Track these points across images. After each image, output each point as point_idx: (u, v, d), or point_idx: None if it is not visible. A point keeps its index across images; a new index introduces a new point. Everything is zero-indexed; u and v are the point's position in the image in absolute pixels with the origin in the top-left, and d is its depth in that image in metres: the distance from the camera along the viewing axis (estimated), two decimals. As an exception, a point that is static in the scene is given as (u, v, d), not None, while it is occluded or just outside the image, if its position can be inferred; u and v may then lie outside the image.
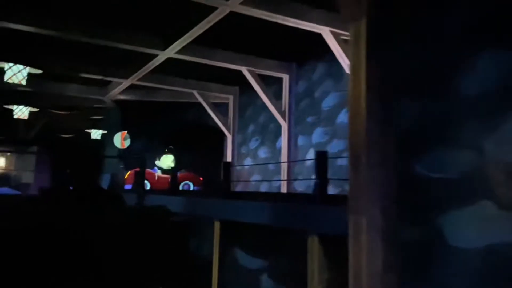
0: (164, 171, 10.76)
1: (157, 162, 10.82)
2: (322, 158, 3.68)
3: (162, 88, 10.58)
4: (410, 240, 2.51)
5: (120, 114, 12.04)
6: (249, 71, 7.96)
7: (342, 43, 6.04)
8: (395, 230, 2.57)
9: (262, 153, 9.13)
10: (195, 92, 9.90)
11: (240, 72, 8.66)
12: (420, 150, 2.50)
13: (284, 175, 8.11)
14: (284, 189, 8.05)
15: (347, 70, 6.20)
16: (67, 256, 1.74)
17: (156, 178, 10.47)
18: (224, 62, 7.71)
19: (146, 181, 10.26)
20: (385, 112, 2.61)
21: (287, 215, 3.77)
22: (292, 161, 7.93)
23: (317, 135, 7.61)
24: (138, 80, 9.14)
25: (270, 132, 8.95)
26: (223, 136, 11.48)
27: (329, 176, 6.61)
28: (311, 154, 7.70)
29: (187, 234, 2.28)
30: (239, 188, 9.86)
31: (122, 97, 11.05)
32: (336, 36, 5.99)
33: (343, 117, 7.06)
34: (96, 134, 15.26)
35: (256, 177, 9.26)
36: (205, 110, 11.70)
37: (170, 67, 9.07)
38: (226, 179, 5.35)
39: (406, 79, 2.57)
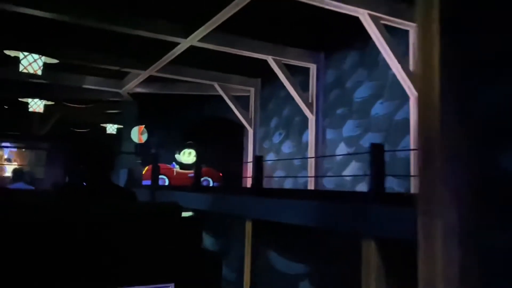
0: (183, 166, 10.39)
1: (176, 157, 10.45)
2: (378, 151, 3.23)
3: (180, 80, 10.17)
4: (493, 246, 2.06)
5: (137, 107, 11.67)
6: (275, 60, 7.50)
7: (382, 28, 5.55)
8: (474, 234, 2.14)
9: (286, 147, 8.68)
10: (215, 84, 9.48)
11: (262, 63, 8.21)
12: (505, 142, 2.02)
13: (311, 171, 7.65)
14: (311, 186, 7.60)
15: (386, 57, 5.71)
16: (77, 252, 1.77)
17: (174, 173, 10.10)
18: (249, 51, 7.27)
19: (164, 177, 9.91)
20: (462, 101, 2.19)
21: (337, 216, 3.33)
22: (321, 156, 7.47)
23: (348, 128, 7.13)
24: (157, 71, 8.73)
25: (295, 126, 8.49)
26: (242, 130, 11.06)
27: (363, 172, 6.13)
28: (341, 149, 7.24)
29: (199, 231, 2.28)
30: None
31: (139, 90, 10.67)
32: (375, 20, 5.50)
33: (378, 109, 6.57)
34: (111, 128, 14.98)
35: (279, 173, 8.83)
36: (224, 104, 11.29)
37: (190, 58, 8.65)
38: (258, 175, 4.91)
39: (487, 63, 2.12)
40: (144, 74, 9.03)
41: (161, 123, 12.59)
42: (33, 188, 6.32)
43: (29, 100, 10.47)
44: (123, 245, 1.91)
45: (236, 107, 9.62)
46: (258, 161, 4.90)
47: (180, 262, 2.02)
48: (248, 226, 4.66)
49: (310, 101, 7.77)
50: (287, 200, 4.22)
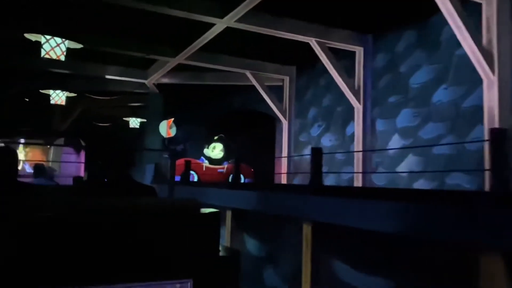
0: (212, 161, 9.75)
1: (205, 151, 9.81)
2: (499, 138, 2.48)
3: (209, 70, 9.52)
4: None
5: (162, 100, 11.08)
6: (319, 43, 6.75)
7: (456, 1, 4.77)
8: None
9: (327, 140, 7.94)
10: (247, 73, 8.78)
11: (299, 48, 7.50)
12: None
13: (358, 166, 6.91)
14: (358, 183, 6.86)
15: (458, 33, 4.91)
16: (98, 246, 1.78)
17: (204, 169, 9.46)
18: (291, 32, 6.54)
19: (193, 173, 9.28)
20: None
21: (442, 222, 2.60)
22: (373, 150, 6.73)
23: (404, 117, 6.36)
24: (186, 59, 8.08)
25: (338, 117, 7.74)
26: (274, 123, 10.37)
27: (422, 168, 5.36)
28: (395, 141, 6.47)
29: (217, 227, 2.15)
30: (297, 181, 8.72)
31: (165, 80, 10.06)
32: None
33: (441, 95, 5.78)
34: (134, 122, 14.47)
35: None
36: (254, 95, 10.60)
37: (222, 44, 7.99)
38: (316, 170, 4.21)
39: None
40: (172, 62, 8.39)
41: (187, 116, 11.97)
42: (54, 183, 6.32)
43: (51, 91, 9.96)
44: (141, 241, 1.91)
45: (270, 98, 8.91)
46: (317, 154, 4.19)
47: (199, 258, 2.01)
48: (307, 229, 3.96)
49: (356, 88, 7.01)
50: (359, 200, 3.51)
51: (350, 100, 7.03)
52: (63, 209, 1.89)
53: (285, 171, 8.88)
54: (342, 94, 7.60)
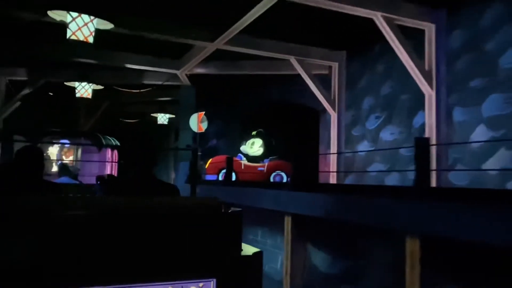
0: (250, 158, 8.85)
1: (242, 148, 8.92)
2: None
3: (247, 57, 8.62)
4: None
5: (195, 93, 10.24)
6: (386, 19, 5.76)
7: None
8: None
9: (388, 134, 6.93)
10: (292, 59, 7.83)
11: (353, 29, 6.58)
12: None
13: (432, 162, 5.87)
14: (432, 182, 5.83)
15: None
16: (118, 246, 1.82)
17: (242, 167, 8.56)
18: (355, 5, 5.57)
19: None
20: None
21: None
22: (450, 143, 5.71)
23: (492, 105, 5.31)
24: (226, 43, 7.20)
25: (402, 106, 6.72)
26: (317, 116, 9.41)
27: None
28: (480, 133, 5.43)
29: (240, 226, 2.09)
30: (349, 181, 7.74)
31: (199, 70, 9.21)
32: None
33: (548, 76, 4.73)
34: (162, 118, 13.71)
35: (377, 166, 7.09)
36: (295, 85, 9.66)
37: (264, 27, 7.09)
38: (423, 168, 3.25)
39: None
40: (210, 48, 7.52)
41: (220, 110, 11.10)
42: (77, 182, 6.39)
43: (76, 84, 9.23)
44: (164, 240, 1.93)
45: (317, 87, 7.95)
46: (423, 147, 3.22)
47: (221, 257, 2.02)
48: (413, 245, 3.00)
49: (427, 72, 5.99)
50: (488, 207, 2.54)
51: (420, 85, 6.01)
52: (85, 208, 1.91)
53: (334, 170, 7.90)
54: (406, 79, 6.59)
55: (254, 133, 9.30)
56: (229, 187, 6.09)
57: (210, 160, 8.56)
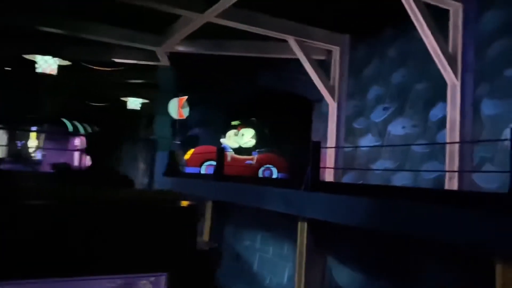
0: (238, 150, 7.93)
1: (226, 139, 7.99)
2: None
3: (237, 37, 7.70)
4: None
5: (175, 75, 9.21)
6: (411, -7, 4.96)
7: None
8: None
9: (398, 128, 6.17)
10: (291, 40, 6.94)
11: (362, 9, 5.79)
12: None
13: (452, 162, 5.15)
14: (452, 184, 5.11)
15: None
16: (71, 238, 1.79)
17: (228, 159, 7.62)
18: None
19: (214, 163, 7.45)
20: None
21: None
22: (477, 141, 4.99)
23: (532, 97, 4.62)
24: (217, 16, 6.23)
25: (417, 96, 5.97)
26: (311, 107, 8.60)
27: None
28: (516, 129, 4.71)
29: (195, 221, 2.08)
30: (348, 179, 6.96)
31: (181, 48, 8.19)
32: None
33: None
34: (134, 103, 12.56)
35: (383, 163, 6.32)
36: (287, 72, 8.82)
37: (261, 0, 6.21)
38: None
39: None
40: (199, 20, 6.52)
41: (203, 96, 10.09)
42: (30, 169, 6.21)
43: (38, 57, 8.01)
44: (115, 233, 1.88)
45: (318, 74, 7.10)
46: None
47: (174, 253, 1.99)
48: (504, 273, 2.20)
49: (452, 56, 5.24)
50: None
51: (444, 73, 5.25)
52: (34, 197, 1.85)
53: (332, 166, 7.09)
54: (424, 67, 5.84)
55: (235, 122, 8.37)
56: (222, 182, 5.16)
57: (192, 150, 7.58)
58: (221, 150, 5.69)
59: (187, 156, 7.71)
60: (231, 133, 8.12)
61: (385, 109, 6.41)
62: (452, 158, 5.19)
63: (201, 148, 7.66)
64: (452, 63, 5.23)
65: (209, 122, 10.31)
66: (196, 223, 2.18)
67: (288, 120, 8.94)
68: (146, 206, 2.02)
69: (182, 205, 2.15)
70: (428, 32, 5.10)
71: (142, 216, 1.96)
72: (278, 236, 4.31)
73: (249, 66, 9.14)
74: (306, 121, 8.65)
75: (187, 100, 9.50)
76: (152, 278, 1.94)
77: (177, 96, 8.91)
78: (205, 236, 5.51)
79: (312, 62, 7.06)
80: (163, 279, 1.95)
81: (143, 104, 12.53)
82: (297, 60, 7.76)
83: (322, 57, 7.80)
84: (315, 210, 3.58)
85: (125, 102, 12.20)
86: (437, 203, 2.94)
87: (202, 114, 10.05)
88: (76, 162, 10.17)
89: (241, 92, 10.00)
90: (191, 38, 7.72)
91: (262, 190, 4.32)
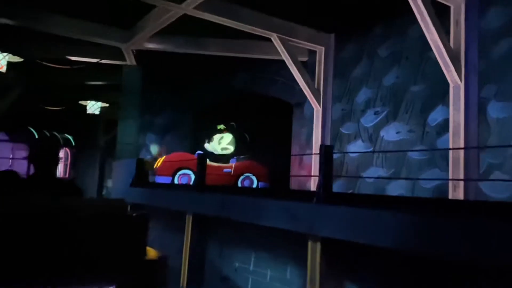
0: (214, 157, 7.26)
1: (209, 145, 7.31)
2: None
3: (214, 35, 7.10)
4: None
5: (141, 75, 8.45)
6: (416, -16, 4.54)
7: None
8: None
9: (392, 133, 5.73)
10: (274, 38, 6.40)
11: (342, 9, 5.35)
12: None
13: (456, 169, 4.75)
14: (457, 193, 4.70)
15: None
16: (12, 246, 1.70)
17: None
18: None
19: (189, 172, 6.78)
20: None
21: None
22: (481, 146, 4.61)
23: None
24: (196, 8, 5.59)
25: (413, 99, 5.56)
26: (290, 111, 8.08)
27: None
28: (528, 134, 4.38)
29: (145, 230, 2.04)
30: (336, 188, 6.44)
31: (150, 45, 7.46)
32: None
33: None
34: (93, 107, 11.58)
35: (375, 171, 5.87)
36: (265, 74, 8.30)
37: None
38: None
39: None
40: (175, 12, 5.83)
41: (170, 98, 9.36)
42: None
43: (-18, 52, 7.02)
44: (61, 242, 1.81)
45: (302, 76, 6.58)
46: None
47: (123, 263, 1.94)
48: None
49: (454, 55, 4.86)
50: None
51: (446, 73, 4.86)
52: None
53: (316, 174, 6.56)
54: (421, 67, 5.46)
55: (220, 126, 7.69)
56: (206, 194, 4.49)
57: (163, 157, 6.83)
58: (203, 158, 5.01)
59: (157, 164, 6.95)
60: (216, 138, 7.43)
61: (376, 113, 5.97)
62: (456, 165, 4.78)
63: (173, 155, 6.93)
64: (456, 62, 4.85)
65: (176, 127, 9.57)
66: (146, 232, 2.12)
67: (264, 125, 8.37)
68: (90, 215, 1.93)
69: (130, 214, 2.09)
70: (433, 29, 4.70)
71: (86, 225, 1.88)
72: (279, 257, 3.70)
73: (223, 67, 8.53)
74: (285, 126, 8.12)
75: (152, 102, 8.80)
76: None
77: (142, 98, 8.19)
78: (184, 255, 4.80)
79: (296, 62, 6.54)
80: None
81: (102, 108, 11.58)
82: (276, 62, 7.25)
83: (304, 58, 7.34)
84: (330, 227, 3.00)
85: (84, 106, 11.21)
86: (482, 217, 2.45)
87: (168, 118, 9.30)
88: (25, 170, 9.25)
89: (212, 95, 9.34)
90: (163, 34, 7.02)
91: (259, 202, 3.69)
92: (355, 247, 2.92)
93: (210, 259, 4.67)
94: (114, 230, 1.94)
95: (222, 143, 7.20)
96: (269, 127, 8.34)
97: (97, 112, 11.48)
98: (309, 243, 3.16)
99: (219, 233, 4.57)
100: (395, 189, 5.57)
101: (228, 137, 7.24)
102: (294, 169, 7.77)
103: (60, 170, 10.62)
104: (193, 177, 6.79)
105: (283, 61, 6.58)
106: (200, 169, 4.97)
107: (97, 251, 1.87)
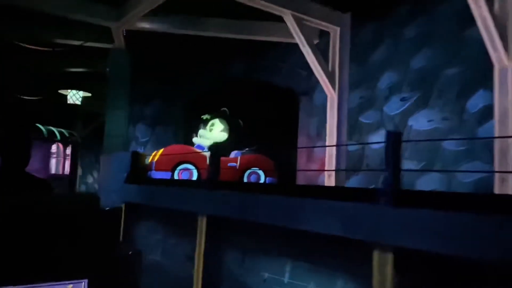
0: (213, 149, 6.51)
1: (201, 133, 6.59)
2: None
3: (213, 14, 6.39)
4: None
5: (130, 60, 7.65)
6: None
7: None
8: None
9: (423, 121, 5.16)
10: (287, 16, 5.72)
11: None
12: None
13: (505, 160, 4.22)
14: (507, 188, 4.18)
15: None
16: None
17: (207, 161, 6.21)
18: None
19: (191, 167, 6.06)
20: None
21: None
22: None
23: None
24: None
25: (447, 84, 4.99)
26: (296, 101, 7.46)
27: None
28: None
29: (118, 225, 2.14)
30: (354, 183, 5.88)
31: (143, 25, 6.68)
32: None
33: None
34: (74, 97, 10.68)
35: (403, 164, 5.28)
36: (268, 60, 7.64)
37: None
38: None
39: None
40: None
41: (160, 86, 8.57)
42: None
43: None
44: (31, 238, 1.78)
45: (316, 58, 5.93)
46: None
47: (95, 257, 1.96)
48: None
49: (502, 31, 4.30)
50: None
51: (493, 54, 4.30)
52: None
53: (332, 167, 5.97)
54: (456, 48, 4.89)
55: (205, 116, 6.92)
56: (223, 192, 3.81)
57: (161, 150, 6.08)
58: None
59: (154, 157, 6.19)
60: (203, 129, 6.69)
61: (403, 100, 5.39)
62: (503, 156, 4.25)
63: (173, 148, 6.19)
64: (504, 40, 4.30)
65: (166, 119, 8.78)
66: (118, 227, 2.23)
67: (267, 116, 7.69)
68: (64, 211, 1.97)
69: (102, 209, 2.22)
70: (482, 2, 4.12)
71: (59, 220, 1.91)
72: (325, 268, 3.07)
73: (219, 53, 7.82)
74: (289, 117, 7.48)
75: (141, 91, 8.02)
76: (70, 286, 1.82)
77: (130, 86, 7.41)
78: (197, 264, 4.11)
79: (311, 44, 5.89)
80: (83, 285, 1.88)
81: (84, 98, 10.69)
82: (280, 47, 6.66)
83: (315, 41, 6.70)
84: (406, 235, 2.38)
85: (64, 96, 10.30)
86: None
87: (157, 109, 8.52)
88: None
89: (207, 83, 8.60)
90: (158, 12, 6.27)
91: (297, 203, 3.04)
92: (439, 261, 2.31)
93: (229, 269, 4.00)
94: (86, 225, 1.96)
95: (213, 130, 6.48)
96: (270, 118, 7.67)
97: (78, 102, 10.59)
98: (375, 255, 2.54)
99: (240, 238, 3.90)
100: (428, 184, 5.01)
101: (219, 124, 6.51)
102: (302, 163, 7.16)
103: (53, 167, 9.70)
104: (195, 172, 6.07)
105: (288, 46, 5.97)
106: (213, 163, 4.27)
107: (67, 247, 1.86)
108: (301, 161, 7.18)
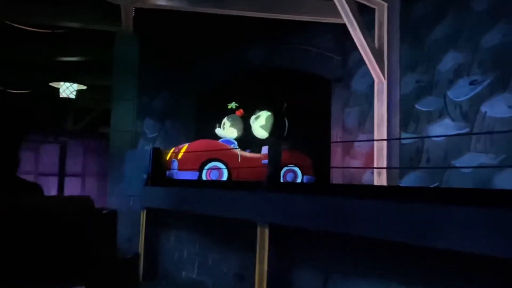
0: (246, 144, 5.70)
1: (220, 131, 5.76)
2: None
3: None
4: None
5: (139, 45, 6.78)
6: None
7: None
8: None
9: (501, 107, 4.41)
10: (332, -12, 4.92)
11: None
12: None
13: None
14: None
15: None
16: None
17: (239, 159, 5.38)
18: None
19: (221, 165, 5.23)
20: None
21: None
22: None
23: None
24: None
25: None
26: (329, 89, 6.70)
27: None
28: None
29: (114, 228, 2.00)
30: (410, 181, 5.12)
31: (159, 2, 5.78)
32: None
33: None
34: (67, 90, 9.68)
35: (475, 158, 4.55)
36: (295, 44, 6.84)
37: None
38: None
39: None
40: None
41: (171, 76, 7.67)
42: None
43: None
44: (26, 243, 1.71)
45: (365, 39, 5.14)
46: None
47: (93, 263, 1.83)
48: None
49: None
50: None
51: None
52: None
53: (382, 164, 5.20)
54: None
55: (231, 105, 6.06)
56: (289, 194, 3.01)
57: (185, 146, 5.21)
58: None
59: (174, 155, 5.32)
60: (228, 120, 5.84)
61: (473, 83, 4.64)
62: None
63: (198, 143, 5.33)
64: None
65: (176, 112, 7.87)
66: (116, 231, 2.05)
67: (295, 107, 6.88)
68: (58, 214, 1.82)
69: (99, 211, 1.99)
70: None
71: (54, 224, 1.77)
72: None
73: (238, 36, 6.99)
74: (321, 107, 6.71)
75: (150, 81, 7.15)
76: None
77: (137, 76, 6.54)
78: (259, 284, 3.30)
79: (360, 22, 5.09)
80: None
81: (79, 91, 9.72)
82: (308, 29, 5.90)
83: (341, 20, 5.91)
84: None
85: (56, 89, 9.30)
86: None
87: (166, 101, 7.61)
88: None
89: (221, 71, 7.73)
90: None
91: (435, 212, 2.26)
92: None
93: (302, 292, 3.19)
94: (82, 229, 1.80)
95: (258, 120, 5.67)
96: (299, 109, 6.86)
97: (72, 96, 9.61)
98: None
99: (322, 255, 3.10)
100: (508, 180, 4.28)
101: (267, 118, 5.70)
102: (337, 158, 6.39)
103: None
104: (225, 171, 5.24)
105: (317, 28, 5.20)
106: (273, 158, 3.45)
107: (64, 252, 1.74)
108: (335, 157, 6.41)
